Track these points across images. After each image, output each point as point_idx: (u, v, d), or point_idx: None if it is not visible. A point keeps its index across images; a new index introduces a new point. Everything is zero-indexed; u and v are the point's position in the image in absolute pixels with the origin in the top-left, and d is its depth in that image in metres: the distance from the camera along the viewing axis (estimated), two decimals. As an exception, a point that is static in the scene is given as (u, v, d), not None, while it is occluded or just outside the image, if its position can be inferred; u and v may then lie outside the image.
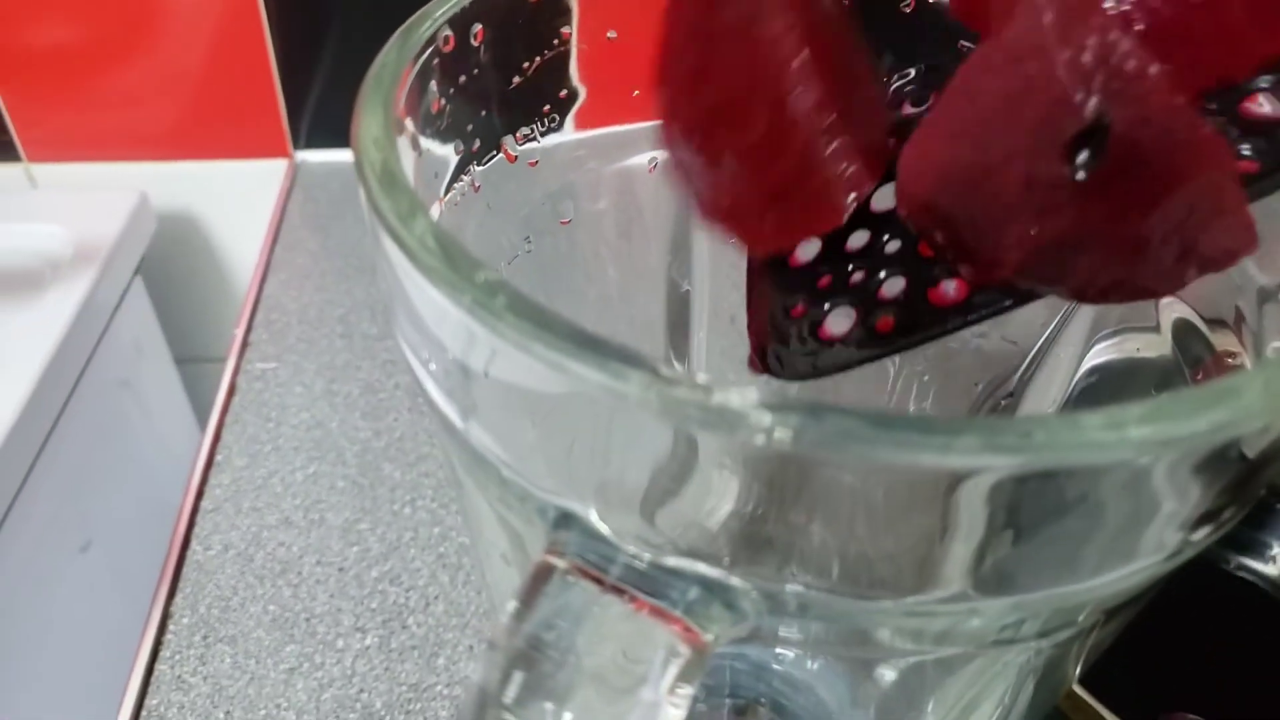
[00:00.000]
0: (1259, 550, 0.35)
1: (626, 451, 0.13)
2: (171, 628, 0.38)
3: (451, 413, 0.15)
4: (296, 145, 0.65)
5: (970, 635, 0.14)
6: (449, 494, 0.42)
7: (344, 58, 0.62)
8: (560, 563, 0.13)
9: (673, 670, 0.13)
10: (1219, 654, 0.33)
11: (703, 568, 0.13)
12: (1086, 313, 0.25)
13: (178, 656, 0.37)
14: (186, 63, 0.62)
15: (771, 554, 0.13)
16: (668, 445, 0.12)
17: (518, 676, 0.13)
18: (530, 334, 0.12)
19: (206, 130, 0.64)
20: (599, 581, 0.13)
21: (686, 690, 0.13)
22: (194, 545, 0.41)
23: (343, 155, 0.65)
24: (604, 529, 0.13)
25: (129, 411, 0.59)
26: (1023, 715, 0.20)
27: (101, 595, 0.54)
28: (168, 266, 0.66)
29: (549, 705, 0.13)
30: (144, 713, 0.35)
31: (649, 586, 0.13)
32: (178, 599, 0.39)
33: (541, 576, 0.13)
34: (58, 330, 0.51)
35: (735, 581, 0.13)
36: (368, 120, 0.16)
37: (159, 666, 0.37)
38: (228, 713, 0.35)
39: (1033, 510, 0.12)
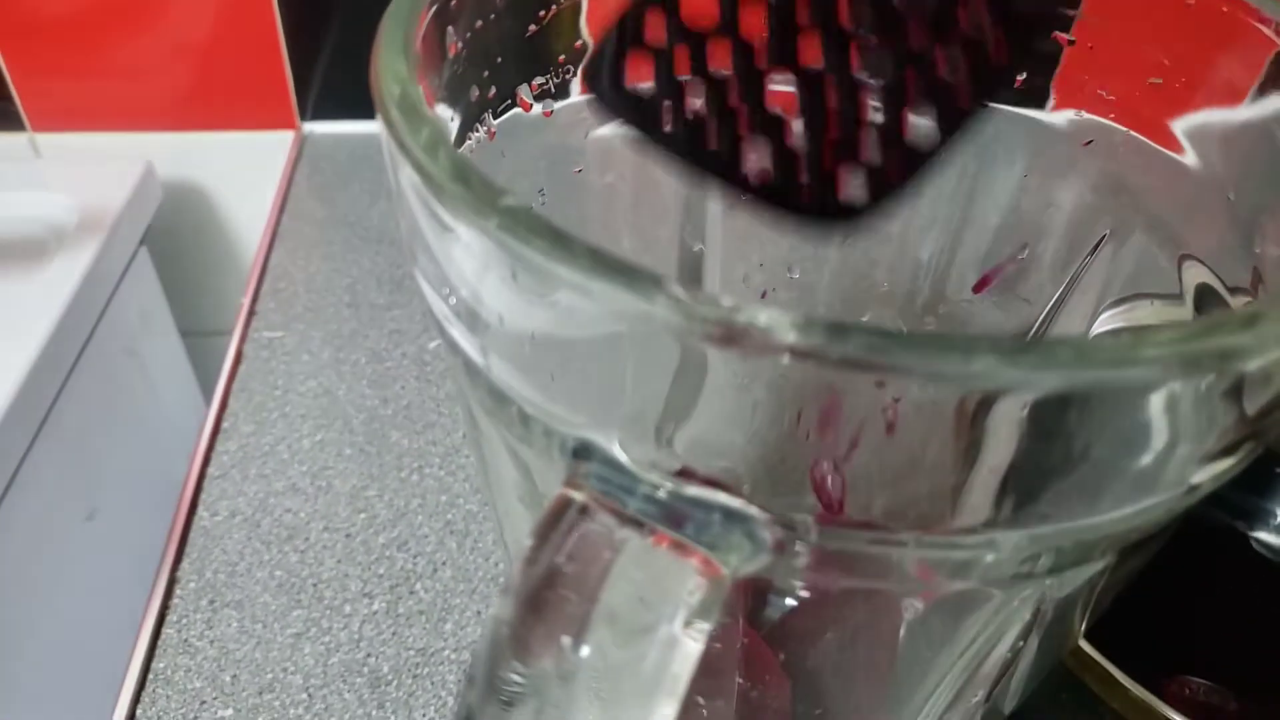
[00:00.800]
0: (1264, 519, 0.35)
1: (649, 377, 0.13)
2: (178, 592, 0.38)
3: (471, 349, 0.15)
4: (304, 117, 0.65)
5: (987, 569, 0.14)
6: (457, 461, 0.42)
7: (352, 30, 0.62)
8: (578, 496, 0.13)
9: (691, 604, 0.13)
10: (1223, 620, 0.33)
11: (723, 498, 0.13)
12: (1097, 276, 0.25)
13: (184, 621, 0.37)
14: (193, 33, 0.62)
15: (792, 481, 0.13)
16: (691, 368, 0.12)
17: (533, 615, 0.13)
18: (556, 257, 0.12)
19: (213, 101, 0.64)
20: (617, 514, 0.13)
21: (704, 625, 0.13)
22: (200, 511, 0.41)
23: (350, 127, 0.65)
24: (624, 459, 0.13)
25: (134, 381, 0.59)
26: (1030, 667, 0.20)
27: (107, 563, 0.54)
28: (174, 237, 0.65)
29: (565, 641, 0.13)
30: (150, 676, 0.35)
31: (668, 519, 0.13)
32: (184, 564, 0.39)
33: (558, 510, 0.13)
34: (62, 298, 0.51)
35: (755, 512, 0.13)
36: (388, 53, 0.16)
37: (165, 631, 0.36)
38: (234, 676, 0.35)
39: (1054, 437, 0.12)
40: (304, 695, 0.35)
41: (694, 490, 0.13)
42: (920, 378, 0.11)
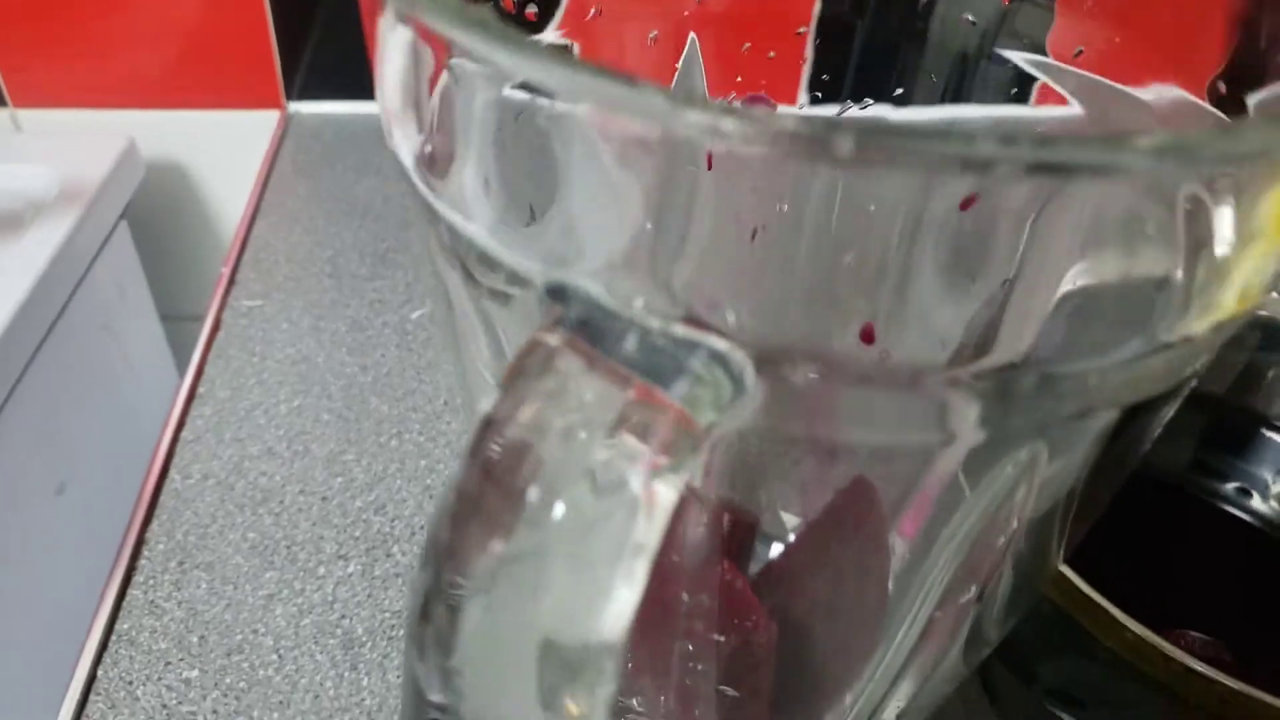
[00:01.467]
0: (1255, 485, 0.35)
1: (637, 206, 0.12)
2: (146, 554, 0.36)
3: (444, 201, 0.14)
4: (290, 96, 0.64)
5: (989, 410, 0.13)
6: (438, 427, 0.41)
7: (340, 10, 0.61)
8: (552, 339, 0.12)
9: (665, 457, 0.12)
10: (1218, 576, 0.32)
11: (711, 340, 0.12)
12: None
13: (151, 581, 0.36)
14: (181, 12, 0.61)
15: (783, 306, 0.12)
16: (681, 190, 0.11)
17: (498, 474, 0.12)
18: (559, 68, 0.11)
19: (199, 80, 0.63)
20: (591, 358, 0.12)
21: (677, 479, 0.12)
22: (172, 474, 0.39)
23: (337, 107, 0.64)
24: (605, 296, 0.12)
25: (109, 355, 0.58)
26: (1014, 580, 0.19)
27: (77, 537, 0.52)
28: (155, 214, 0.64)
29: (532, 497, 0.12)
30: (114, 636, 0.34)
31: (646, 365, 0.12)
32: (153, 526, 0.37)
33: (528, 354, 0.12)
34: (37, 268, 0.50)
35: (740, 356, 0.12)
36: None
37: (131, 592, 0.35)
38: (202, 637, 0.34)
39: (1061, 253, 0.11)
40: (274, 656, 0.33)
41: (680, 331, 0.12)
42: (929, 162, 0.10)
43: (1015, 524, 0.16)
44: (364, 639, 0.34)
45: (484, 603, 0.12)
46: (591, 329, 0.12)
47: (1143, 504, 0.33)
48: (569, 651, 0.12)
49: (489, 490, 0.12)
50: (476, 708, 0.13)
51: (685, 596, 0.23)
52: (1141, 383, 0.13)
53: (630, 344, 0.12)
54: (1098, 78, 0.23)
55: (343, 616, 0.35)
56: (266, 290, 0.49)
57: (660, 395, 0.12)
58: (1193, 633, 0.28)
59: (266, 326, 0.47)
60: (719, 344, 0.12)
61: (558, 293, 0.13)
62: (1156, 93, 0.22)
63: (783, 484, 0.24)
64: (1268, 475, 0.35)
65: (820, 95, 0.23)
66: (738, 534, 0.25)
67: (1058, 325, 0.12)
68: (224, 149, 0.64)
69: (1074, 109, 0.23)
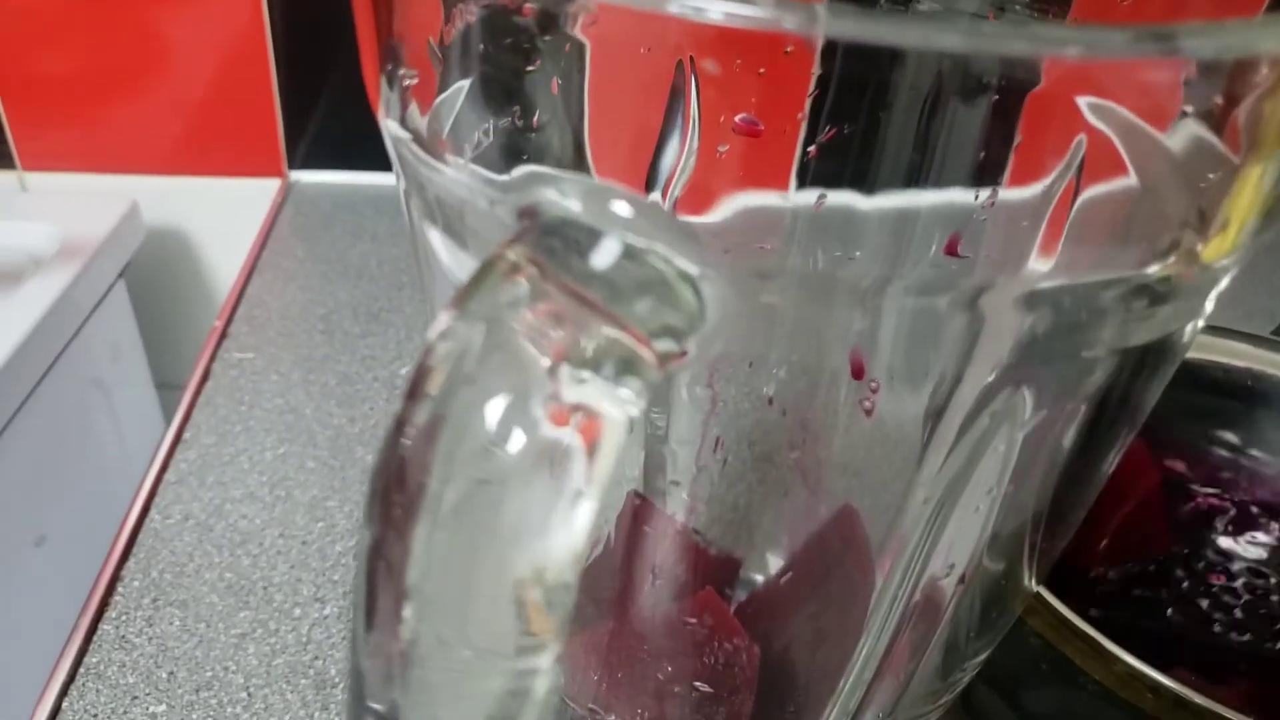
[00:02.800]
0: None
1: (627, 106, 0.12)
2: (120, 590, 0.36)
3: (425, 120, 0.14)
4: (292, 166, 0.65)
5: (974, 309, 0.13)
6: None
7: (345, 82, 0.63)
8: (511, 253, 0.12)
9: (619, 384, 0.12)
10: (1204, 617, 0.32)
11: (685, 262, 0.12)
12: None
13: (124, 617, 0.35)
14: (191, 89, 0.63)
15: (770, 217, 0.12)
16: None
17: (441, 401, 0.12)
18: None
19: (204, 149, 0.65)
20: (547, 274, 0.12)
21: (631, 403, 0.12)
22: (152, 514, 0.39)
23: (336, 177, 0.65)
24: (577, 209, 0.12)
25: (98, 411, 0.58)
26: (990, 583, 0.19)
27: (54, 590, 0.51)
28: (154, 277, 0.65)
29: (476, 425, 0.12)
30: (82, 670, 0.33)
31: (608, 286, 0.12)
32: (129, 563, 0.37)
33: (484, 271, 0.12)
34: (30, 320, 0.50)
35: (711, 279, 0.12)
36: None
37: (103, 626, 0.35)
38: (171, 674, 0.33)
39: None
40: (244, 694, 0.32)
41: (649, 246, 0.12)
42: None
43: (993, 491, 0.15)
44: (337, 680, 0.33)
45: (435, 531, 0.12)
46: (555, 244, 0.12)
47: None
48: (526, 581, 0.12)
49: (431, 419, 0.12)
50: (429, 649, 0.13)
51: (665, 618, 0.23)
52: (1125, 325, 0.14)
53: (595, 260, 0.12)
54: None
55: (316, 657, 0.34)
56: (258, 344, 0.49)
57: (618, 316, 0.12)
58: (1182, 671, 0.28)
59: (256, 378, 0.47)
60: (688, 265, 0.12)
61: (528, 212, 0.13)
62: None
63: (768, 517, 0.24)
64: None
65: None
66: (722, 568, 0.24)
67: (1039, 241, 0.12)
68: (225, 215, 0.65)
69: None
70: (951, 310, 0.13)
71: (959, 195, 0.22)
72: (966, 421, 0.14)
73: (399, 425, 0.12)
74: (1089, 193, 0.14)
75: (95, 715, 0.31)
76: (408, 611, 0.12)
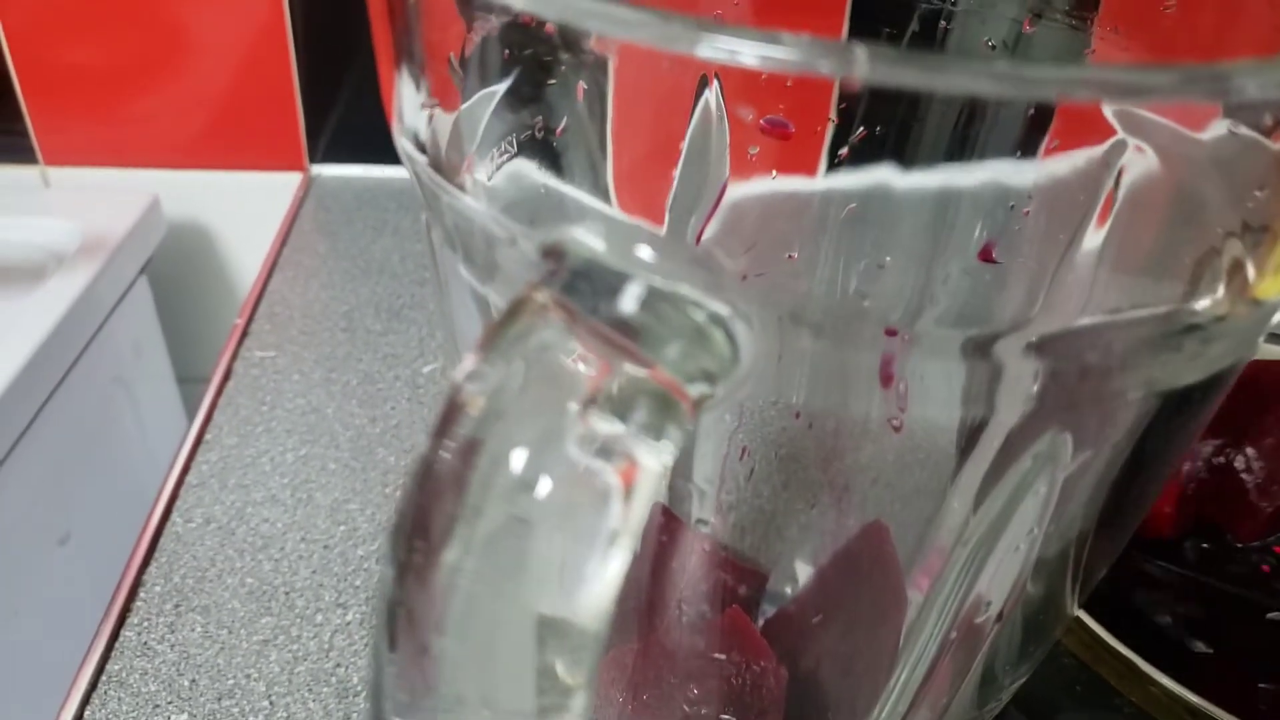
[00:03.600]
0: None
1: (662, 137, 0.12)
2: (142, 595, 0.36)
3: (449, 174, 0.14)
4: (313, 160, 0.65)
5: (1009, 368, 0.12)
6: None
7: (366, 76, 0.63)
8: (539, 296, 0.12)
9: (649, 431, 0.11)
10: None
11: (712, 302, 0.12)
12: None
13: (145, 624, 0.35)
14: (212, 83, 0.62)
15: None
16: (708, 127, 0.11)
17: (469, 444, 0.11)
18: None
19: (225, 143, 0.64)
20: (577, 318, 0.12)
21: (664, 450, 0.12)
22: (174, 517, 0.39)
23: (358, 170, 0.65)
24: (602, 249, 0.12)
25: (121, 409, 0.58)
26: (1028, 615, 0.18)
27: (78, 588, 0.51)
28: (176, 273, 0.65)
29: (504, 470, 0.11)
30: (104, 677, 0.33)
31: (637, 329, 0.12)
32: (151, 568, 0.37)
33: (511, 314, 0.12)
34: (53, 318, 0.50)
35: (742, 321, 0.12)
36: None
37: (125, 633, 0.34)
38: (193, 681, 0.33)
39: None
40: (265, 703, 0.32)
41: (677, 289, 0.12)
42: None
43: (1034, 531, 0.15)
44: (359, 688, 0.33)
45: (459, 578, 0.12)
46: (584, 286, 0.12)
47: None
48: (552, 630, 0.12)
49: (459, 460, 0.12)
50: (450, 706, 0.12)
51: (691, 637, 0.22)
52: (1170, 365, 0.13)
53: (622, 305, 0.12)
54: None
55: (338, 665, 0.34)
56: (279, 342, 0.49)
57: (649, 361, 0.12)
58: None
59: (278, 377, 0.46)
60: (719, 306, 0.12)
61: (553, 253, 0.12)
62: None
63: (796, 530, 0.24)
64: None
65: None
66: (748, 583, 0.24)
67: (1090, 285, 0.12)
68: (246, 209, 0.65)
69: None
70: (974, 352, 0.13)
71: (994, 200, 0.21)
72: (1003, 465, 0.14)
73: (426, 465, 0.12)
74: (1127, 200, 0.13)
75: (117, 724, 0.31)
76: (427, 665, 0.12)
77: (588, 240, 0.12)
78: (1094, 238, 0.16)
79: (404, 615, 0.12)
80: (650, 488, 0.12)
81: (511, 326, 0.12)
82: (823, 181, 0.22)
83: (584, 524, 0.11)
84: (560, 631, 0.12)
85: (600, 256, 0.12)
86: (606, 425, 0.11)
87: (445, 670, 0.12)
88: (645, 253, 0.12)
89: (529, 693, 0.11)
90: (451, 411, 0.12)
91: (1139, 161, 0.15)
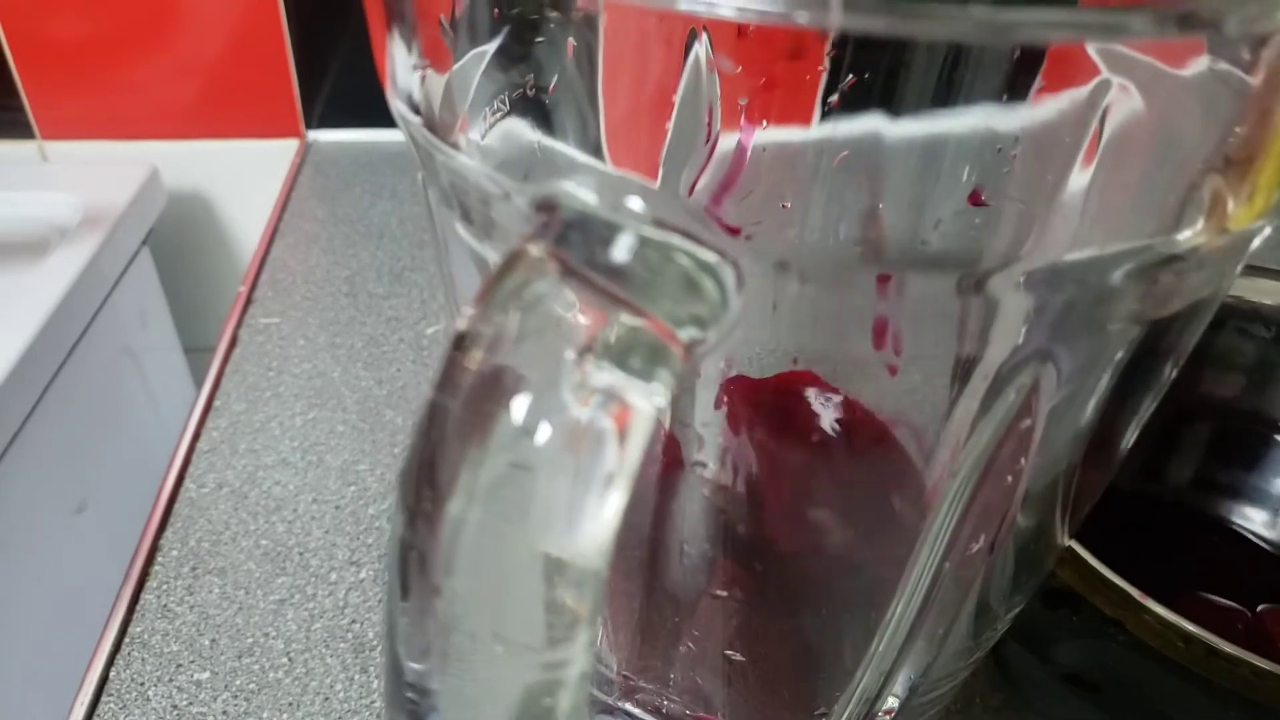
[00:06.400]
0: (1261, 502, 0.33)
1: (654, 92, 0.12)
2: (159, 559, 0.37)
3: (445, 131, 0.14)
4: (309, 126, 0.65)
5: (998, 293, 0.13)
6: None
7: (359, 41, 0.63)
8: (533, 249, 0.12)
9: (643, 376, 0.12)
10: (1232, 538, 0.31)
11: (701, 251, 0.12)
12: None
13: (164, 587, 0.36)
14: (204, 51, 0.62)
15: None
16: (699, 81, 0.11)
17: (470, 393, 0.12)
18: None
19: (221, 112, 0.64)
20: (570, 270, 0.12)
21: (655, 399, 0.12)
22: (187, 483, 0.40)
23: (354, 135, 0.65)
24: (594, 202, 0.12)
25: (130, 379, 0.58)
26: (1018, 554, 0.19)
27: (95, 556, 0.52)
28: (177, 243, 0.65)
29: (505, 418, 0.12)
30: (127, 639, 0.34)
31: (630, 278, 0.12)
32: (167, 533, 0.37)
33: (507, 266, 0.12)
34: (58, 291, 0.50)
35: (732, 268, 0.12)
36: None
37: (145, 596, 0.35)
38: (213, 641, 0.34)
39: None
40: (284, 659, 0.33)
41: (668, 238, 0.12)
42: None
43: (1021, 463, 0.15)
44: (375, 642, 0.34)
45: (465, 523, 0.12)
46: (576, 238, 0.12)
47: (1144, 526, 0.32)
48: (555, 568, 0.12)
49: (462, 410, 0.12)
50: (462, 644, 0.13)
51: (694, 576, 0.23)
52: (1152, 296, 0.13)
53: (615, 254, 0.12)
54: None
55: (354, 621, 0.34)
56: (283, 308, 0.49)
57: (641, 309, 0.12)
58: (1208, 595, 0.28)
59: (283, 343, 0.47)
60: (708, 255, 0.12)
61: (546, 206, 0.12)
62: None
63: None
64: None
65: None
66: (747, 522, 0.24)
67: (1077, 222, 0.12)
68: (244, 177, 0.65)
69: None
70: (970, 289, 0.13)
71: (982, 143, 0.21)
72: (990, 399, 0.14)
73: (430, 416, 0.12)
74: (1112, 139, 0.13)
75: (142, 684, 0.32)
76: (439, 606, 0.12)
77: (579, 193, 0.12)
78: (1080, 177, 0.16)
79: (415, 559, 0.13)
80: (644, 430, 0.12)
81: (508, 279, 0.12)
82: (814, 131, 0.22)
83: (582, 467, 0.12)
84: (564, 569, 0.12)
85: (592, 208, 0.12)
86: (601, 372, 0.12)
87: (457, 609, 0.12)
88: (636, 204, 0.12)
89: (538, 627, 0.12)
90: (452, 363, 0.12)
91: (1123, 100, 0.15)
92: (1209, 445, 0.34)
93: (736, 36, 0.17)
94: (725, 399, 0.20)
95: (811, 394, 0.19)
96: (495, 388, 0.12)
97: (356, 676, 0.33)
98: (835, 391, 0.19)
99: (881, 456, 0.18)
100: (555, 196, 0.12)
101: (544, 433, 0.12)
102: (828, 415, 0.20)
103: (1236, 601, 0.30)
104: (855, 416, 0.19)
